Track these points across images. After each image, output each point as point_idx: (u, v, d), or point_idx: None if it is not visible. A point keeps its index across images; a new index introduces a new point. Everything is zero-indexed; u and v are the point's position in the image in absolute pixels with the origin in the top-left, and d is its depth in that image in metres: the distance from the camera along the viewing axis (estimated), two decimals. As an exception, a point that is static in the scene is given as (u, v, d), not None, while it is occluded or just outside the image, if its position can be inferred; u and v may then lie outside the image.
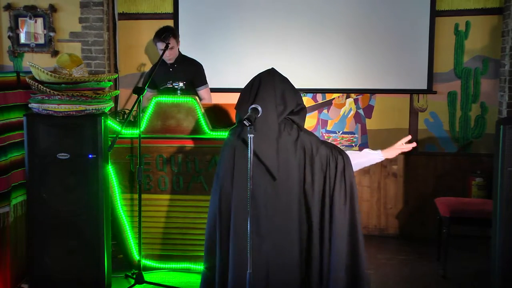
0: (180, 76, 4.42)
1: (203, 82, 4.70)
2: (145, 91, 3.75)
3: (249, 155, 2.50)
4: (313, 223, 2.73)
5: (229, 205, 2.74)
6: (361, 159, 2.92)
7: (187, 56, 4.74)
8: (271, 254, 2.68)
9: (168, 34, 4.47)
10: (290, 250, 2.70)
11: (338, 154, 2.76)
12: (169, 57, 4.59)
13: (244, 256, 2.57)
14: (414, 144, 3.01)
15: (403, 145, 2.98)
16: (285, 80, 2.83)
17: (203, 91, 4.68)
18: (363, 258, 2.75)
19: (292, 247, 2.70)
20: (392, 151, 2.98)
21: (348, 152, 2.83)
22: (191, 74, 4.63)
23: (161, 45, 4.50)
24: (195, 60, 4.72)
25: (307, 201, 2.73)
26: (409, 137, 3.04)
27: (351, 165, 2.77)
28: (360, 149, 5.02)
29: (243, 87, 2.85)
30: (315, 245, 2.72)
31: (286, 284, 2.70)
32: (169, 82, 4.06)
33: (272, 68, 2.85)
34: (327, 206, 2.73)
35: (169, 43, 4.42)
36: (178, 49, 4.68)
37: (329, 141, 5.08)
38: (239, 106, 2.81)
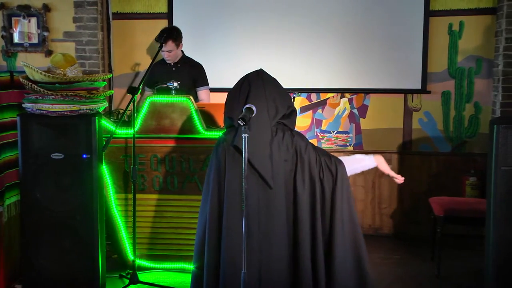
0: (184, 77, 4.45)
1: (205, 83, 4.72)
2: (139, 91, 3.74)
3: (243, 154, 2.49)
4: (303, 229, 2.72)
5: (220, 208, 2.73)
6: (355, 165, 2.94)
7: (189, 57, 4.75)
8: (263, 257, 2.68)
9: (167, 37, 4.46)
10: (281, 254, 2.69)
11: (334, 163, 2.76)
12: (167, 58, 4.60)
13: (236, 257, 2.57)
14: (401, 180, 3.10)
15: (394, 174, 3.08)
16: (274, 82, 2.78)
17: (203, 92, 4.69)
18: (368, 270, 2.80)
19: (283, 251, 2.70)
20: (385, 165, 3.02)
21: (342, 158, 2.84)
22: (194, 75, 4.67)
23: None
24: (197, 61, 4.74)
25: (299, 207, 2.72)
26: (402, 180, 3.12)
27: (347, 175, 2.79)
28: (355, 148, 5.07)
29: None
30: (305, 252, 2.72)
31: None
32: (170, 82, 4.06)
33: (260, 69, 2.81)
34: (327, 215, 2.75)
35: (164, 44, 4.42)
36: (182, 50, 4.69)
37: (323, 140, 5.08)
38: (229, 110, 2.76)
